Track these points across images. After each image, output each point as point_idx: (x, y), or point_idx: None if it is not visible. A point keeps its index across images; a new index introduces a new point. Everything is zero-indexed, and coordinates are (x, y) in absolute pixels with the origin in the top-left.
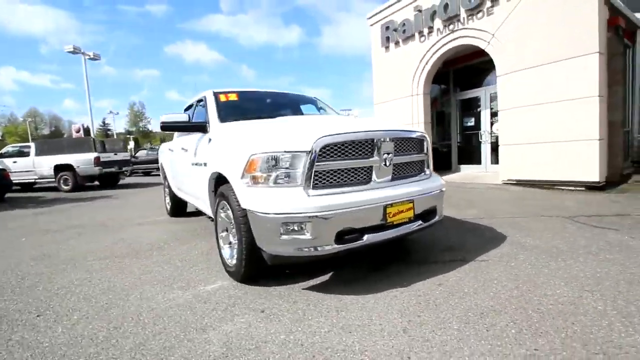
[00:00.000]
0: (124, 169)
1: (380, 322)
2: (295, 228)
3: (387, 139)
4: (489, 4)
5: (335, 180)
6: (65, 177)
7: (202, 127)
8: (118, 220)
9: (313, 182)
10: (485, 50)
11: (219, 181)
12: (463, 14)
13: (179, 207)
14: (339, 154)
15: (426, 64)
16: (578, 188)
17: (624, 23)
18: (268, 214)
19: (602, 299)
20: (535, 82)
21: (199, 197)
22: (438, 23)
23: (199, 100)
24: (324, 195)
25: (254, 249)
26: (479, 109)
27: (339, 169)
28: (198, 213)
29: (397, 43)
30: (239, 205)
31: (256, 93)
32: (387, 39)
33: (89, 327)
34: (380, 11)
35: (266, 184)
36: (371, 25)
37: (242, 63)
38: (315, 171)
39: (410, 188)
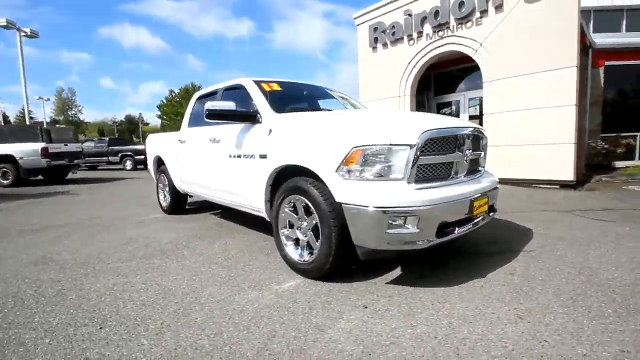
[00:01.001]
0: (75, 161)
1: (491, 310)
2: (402, 222)
3: (470, 135)
4: (478, 14)
5: (430, 174)
6: (5, 169)
7: (251, 117)
8: (106, 219)
9: (415, 176)
10: (473, 57)
11: (281, 175)
12: (453, 22)
13: (179, 204)
14: (436, 148)
15: (414, 66)
16: (553, 186)
17: (587, 42)
18: (376, 207)
19: None
20: (519, 89)
21: (237, 191)
22: (428, 28)
23: (229, 89)
24: (424, 189)
25: (345, 245)
26: (457, 113)
27: (433, 164)
28: (198, 209)
29: (385, 44)
30: (332, 199)
31: (294, 84)
32: (376, 39)
33: (180, 337)
34: (368, 12)
35: (366, 177)
36: (358, 25)
37: (189, 53)
38: (417, 165)
39: (482, 183)
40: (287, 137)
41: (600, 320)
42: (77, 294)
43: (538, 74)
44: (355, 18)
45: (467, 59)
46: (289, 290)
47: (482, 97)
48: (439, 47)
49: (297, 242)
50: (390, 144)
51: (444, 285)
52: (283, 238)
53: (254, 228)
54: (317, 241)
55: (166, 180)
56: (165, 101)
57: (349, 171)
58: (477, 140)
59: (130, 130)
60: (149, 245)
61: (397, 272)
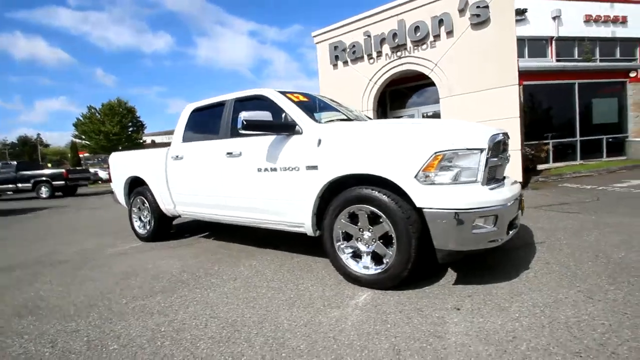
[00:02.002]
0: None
1: (562, 295)
2: (484, 222)
3: (504, 140)
4: (432, 38)
5: (490, 177)
6: None
7: (290, 128)
8: (70, 254)
9: (486, 177)
10: (429, 76)
11: (333, 186)
12: (409, 44)
13: (163, 229)
14: (493, 152)
15: (375, 83)
16: None
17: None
18: (463, 210)
19: None
20: (472, 104)
21: (269, 208)
22: (387, 49)
23: (243, 99)
24: (494, 189)
25: (421, 251)
26: None
27: (492, 166)
28: (178, 233)
29: (345, 62)
30: (405, 205)
31: (312, 95)
32: (336, 57)
33: None
34: (327, 31)
35: (444, 181)
36: (317, 43)
37: (97, 66)
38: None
39: (515, 184)
40: (347, 147)
41: None
42: (119, 343)
43: (488, 91)
44: (314, 36)
45: (422, 76)
46: (370, 303)
47: (433, 112)
48: (398, 65)
49: (355, 254)
50: (467, 148)
51: (503, 279)
52: (339, 252)
53: (266, 247)
54: (388, 249)
55: (146, 203)
56: (83, 119)
57: (427, 176)
58: (506, 145)
59: (28, 153)
60: (159, 278)
61: (450, 274)
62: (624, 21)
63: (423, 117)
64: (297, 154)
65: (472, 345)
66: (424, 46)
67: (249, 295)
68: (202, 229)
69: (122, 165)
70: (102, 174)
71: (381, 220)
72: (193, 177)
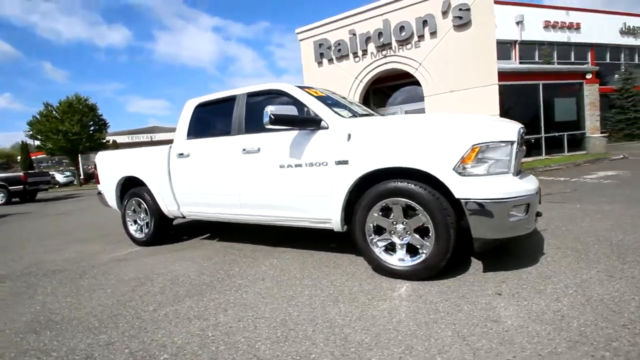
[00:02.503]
0: None
1: (586, 276)
2: (517, 211)
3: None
4: (416, 38)
5: (516, 168)
6: None
7: (315, 123)
8: (61, 263)
9: (516, 169)
10: (414, 75)
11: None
12: (395, 44)
13: (164, 232)
14: (519, 145)
15: (361, 81)
16: None
17: None
18: (502, 199)
19: None
20: (454, 102)
21: (292, 204)
22: (372, 47)
23: (256, 94)
24: (522, 179)
25: (457, 241)
26: None
27: (518, 159)
28: (176, 236)
29: (330, 60)
30: (441, 197)
31: (326, 90)
32: (321, 55)
33: None
34: (312, 29)
35: (481, 172)
36: (301, 40)
37: (45, 60)
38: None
39: (531, 176)
40: (381, 141)
41: None
42: (169, 352)
43: (470, 90)
44: (298, 33)
45: (406, 75)
46: (413, 294)
47: (417, 110)
48: (384, 64)
49: (388, 247)
50: (501, 141)
51: (527, 265)
52: (373, 245)
53: (278, 245)
54: (424, 241)
55: (143, 204)
56: (39, 117)
57: (464, 168)
58: (524, 138)
59: None
60: (178, 282)
61: (475, 262)
62: (577, 27)
63: (405, 114)
64: (325, 149)
65: (529, 326)
66: (409, 46)
67: (285, 294)
68: (200, 230)
69: (112, 165)
70: (59, 177)
71: (417, 212)
72: (202, 175)
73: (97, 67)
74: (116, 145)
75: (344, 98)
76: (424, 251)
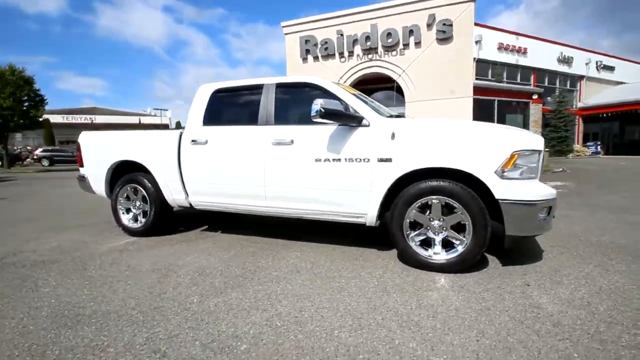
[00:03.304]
0: None
1: (601, 269)
2: (544, 213)
3: None
4: (401, 46)
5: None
6: None
7: (357, 120)
8: (52, 251)
9: (539, 175)
10: (397, 80)
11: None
12: (381, 49)
13: (164, 222)
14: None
15: (345, 81)
16: None
17: None
18: (536, 201)
19: None
20: (433, 110)
21: (327, 198)
22: (358, 50)
23: (286, 85)
24: (545, 185)
25: (489, 238)
26: None
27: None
28: (170, 228)
29: (316, 58)
30: (478, 198)
31: (350, 89)
32: (307, 51)
33: (468, 345)
34: (299, 24)
35: (515, 177)
36: (286, 34)
37: None
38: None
39: None
40: (427, 142)
41: None
42: (246, 342)
43: (448, 100)
44: (283, 27)
45: (388, 79)
46: (455, 285)
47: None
48: (369, 67)
49: (423, 242)
50: (533, 149)
51: (535, 260)
52: (410, 240)
53: (291, 239)
54: (461, 236)
55: (141, 191)
56: None
57: (503, 172)
58: None
59: None
60: (207, 274)
61: (491, 258)
62: (525, 52)
63: None
64: (367, 146)
65: (567, 311)
66: (394, 52)
67: (332, 285)
68: (192, 221)
69: (103, 148)
70: None
71: (455, 210)
72: (221, 164)
73: (24, 36)
74: (49, 126)
75: (367, 98)
76: (460, 246)
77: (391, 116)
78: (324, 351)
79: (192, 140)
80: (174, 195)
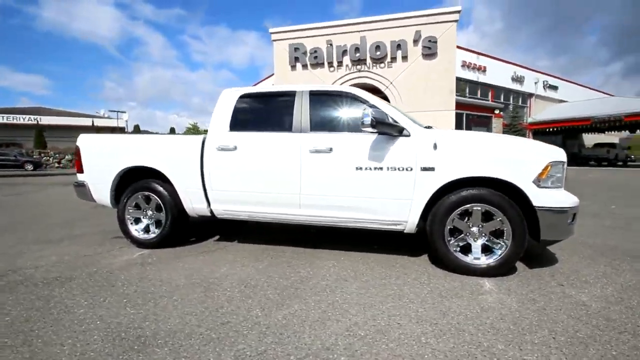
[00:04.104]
0: None
1: (614, 270)
2: (571, 218)
3: None
4: (389, 59)
5: None
6: None
7: (399, 130)
8: (58, 266)
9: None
10: (384, 92)
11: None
12: (369, 60)
13: (179, 232)
14: None
15: None
16: None
17: None
18: (569, 207)
19: None
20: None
21: (366, 206)
22: (347, 60)
23: (321, 94)
24: (570, 193)
25: (526, 242)
26: None
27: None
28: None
29: (305, 66)
30: (515, 205)
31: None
32: (296, 59)
33: (551, 342)
34: (288, 31)
35: (548, 186)
36: (275, 40)
37: None
38: None
39: None
40: (470, 153)
41: None
42: (346, 353)
43: (432, 112)
44: (272, 33)
45: (376, 90)
46: (502, 288)
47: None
48: (357, 78)
49: (463, 247)
50: (560, 161)
51: (553, 263)
52: (451, 246)
53: (318, 247)
54: (500, 242)
55: (155, 200)
56: None
57: (539, 181)
58: None
59: None
60: (253, 285)
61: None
62: (484, 70)
63: None
64: (410, 155)
65: (610, 307)
66: (382, 65)
67: (387, 292)
68: (202, 231)
69: (109, 152)
70: None
71: (494, 217)
72: (252, 172)
73: None
74: None
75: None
76: (500, 251)
77: (429, 127)
78: (424, 358)
79: (220, 147)
80: (194, 204)
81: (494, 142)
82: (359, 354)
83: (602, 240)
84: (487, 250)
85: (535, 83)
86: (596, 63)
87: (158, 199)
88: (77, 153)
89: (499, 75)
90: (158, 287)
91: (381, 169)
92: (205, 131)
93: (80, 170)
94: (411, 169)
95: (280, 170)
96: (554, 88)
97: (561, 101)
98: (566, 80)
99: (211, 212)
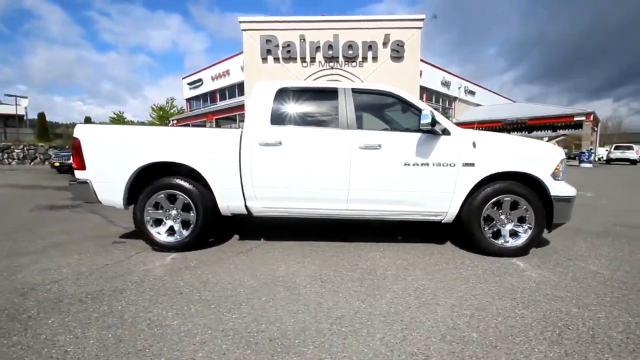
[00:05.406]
0: None
1: (620, 252)
2: (573, 205)
3: None
4: (360, 58)
5: None
6: None
7: (443, 129)
8: (84, 277)
9: None
10: None
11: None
12: (342, 59)
13: (208, 233)
14: None
15: None
16: None
17: None
18: (574, 196)
19: None
20: None
21: (412, 199)
22: (320, 57)
23: (363, 92)
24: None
25: (544, 225)
26: None
27: None
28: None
29: (277, 59)
30: (535, 195)
31: None
32: (268, 51)
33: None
34: (259, 21)
35: (558, 179)
36: (244, 30)
37: None
38: None
39: None
40: (502, 150)
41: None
42: (480, 332)
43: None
44: (241, 22)
45: None
46: (534, 266)
47: None
48: (330, 75)
49: (497, 233)
50: (565, 158)
51: (553, 242)
52: (484, 232)
53: (345, 241)
54: (523, 227)
55: (182, 199)
56: None
57: (554, 174)
58: None
59: None
60: (326, 279)
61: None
62: (420, 74)
63: None
64: (453, 152)
65: (615, 274)
66: (354, 64)
67: (451, 276)
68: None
69: (124, 146)
70: None
71: (520, 205)
72: (299, 167)
73: None
74: None
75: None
76: (524, 234)
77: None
78: (531, 327)
79: (263, 142)
80: (229, 202)
81: (519, 142)
82: (482, 329)
83: (570, 224)
84: (513, 234)
85: (459, 88)
86: (494, 72)
87: (187, 198)
88: (76, 146)
89: (431, 79)
90: (233, 290)
91: (427, 164)
92: (132, 122)
93: (81, 167)
94: (454, 165)
95: (330, 166)
96: (472, 93)
97: (477, 105)
98: (480, 87)
99: (247, 210)
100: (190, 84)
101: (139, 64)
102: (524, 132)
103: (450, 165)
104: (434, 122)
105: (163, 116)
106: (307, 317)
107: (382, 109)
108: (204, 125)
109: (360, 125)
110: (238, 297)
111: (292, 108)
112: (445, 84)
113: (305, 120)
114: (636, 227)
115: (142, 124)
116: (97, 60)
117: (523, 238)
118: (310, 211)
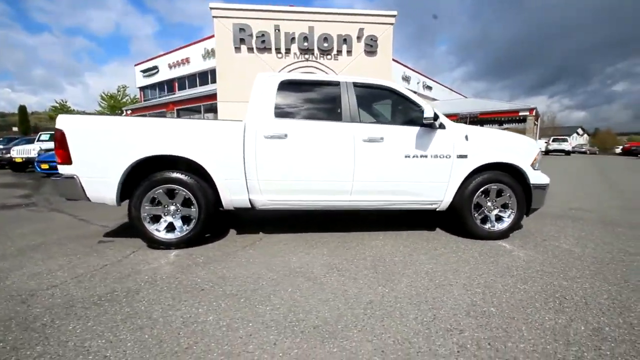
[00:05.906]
0: None
1: (604, 241)
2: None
3: None
4: (335, 51)
5: None
6: None
7: (439, 123)
8: (84, 280)
9: None
10: None
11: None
12: (317, 51)
13: (209, 227)
14: None
15: None
16: None
17: None
18: (548, 184)
19: None
20: None
21: (411, 189)
22: (295, 48)
23: (363, 86)
24: None
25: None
26: None
27: None
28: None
29: (251, 49)
30: (517, 184)
31: None
32: (241, 40)
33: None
34: (232, 9)
35: (535, 169)
36: (215, 17)
37: None
38: None
39: None
40: (491, 143)
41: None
42: (501, 311)
43: None
44: (212, 8)
45: None
46: (518, 247)
47: None
48: (305, 67)
49: (483, 219)
50: (540, 149)
51: (537, 226)
52: (475, 219)
53: (344, 230)
54: (507, 212)
55: (188, 194)
56: None
57: (532, 165)
58: None
59: None
60: (341, 269)
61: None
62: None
63: None
64: (448, 144)
65: (595, 250)
66: (329, 57)
67: (455, 259)
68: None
69: (118, 138)
70: None
71: (504, 193)
72: (305, 160)
73: None
74: None
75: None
76: (507, 219)
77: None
78: (536, 299)
79: (268, 135)
80: (232, 196)
81: (504, 135)
82: (496, 303)
83: (544, 209)
84: (498, 219)
85: (417, 83)
86: (445, 69)
87: (188, 193)
88: (59, 139)
89: (394, 74)
90: (255, 283)
91: (426, 156)
92: (75, 111)
93: (67, 161)
94: (449, 157)
95: (335, 159)
96: (430, 88)
97: (434, 99)
98: (436, 82)
99: (250, 203)
100: (144, 71)
101: (77, 48)
102: (476, 125)
103: (446, 157)
104: (435, 116)
105: (115, 106)
106: (339, 305)
107: (385, 103)
108: (164, 116)
109: (363, 119)
110: (263, 289)
111: (295, 101)
112: (406, 78)
113: (309, 113)
114: (589, 211)
115: (90, 114)
116: (28, 43)
117: (507, 222)
118: (314, 203)
